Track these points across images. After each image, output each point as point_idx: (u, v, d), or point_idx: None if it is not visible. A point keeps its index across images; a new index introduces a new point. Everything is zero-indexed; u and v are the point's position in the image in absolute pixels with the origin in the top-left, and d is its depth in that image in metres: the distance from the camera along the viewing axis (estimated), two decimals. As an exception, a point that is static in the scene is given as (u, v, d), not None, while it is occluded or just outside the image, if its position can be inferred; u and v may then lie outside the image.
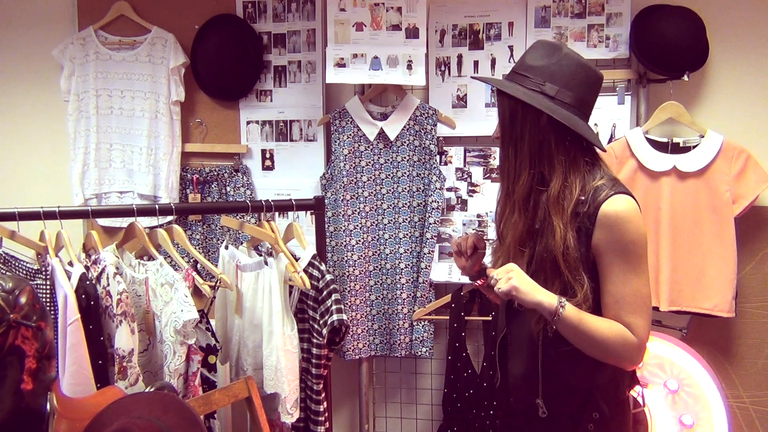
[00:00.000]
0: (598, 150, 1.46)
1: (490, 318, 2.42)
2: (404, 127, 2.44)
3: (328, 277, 2.01)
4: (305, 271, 2.00)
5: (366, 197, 2.47)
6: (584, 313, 1.36)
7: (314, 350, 2.08)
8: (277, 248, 2.04)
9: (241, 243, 2.26)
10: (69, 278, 1.79)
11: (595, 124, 2.37)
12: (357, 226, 2.47)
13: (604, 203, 1.35)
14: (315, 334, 2.06)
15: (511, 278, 1.36)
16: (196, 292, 1.95)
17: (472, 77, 1.70)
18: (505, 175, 1.48)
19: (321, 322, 2.02)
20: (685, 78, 2.23)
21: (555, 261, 1.38)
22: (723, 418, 2.05)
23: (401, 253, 2.48)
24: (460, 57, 2.46)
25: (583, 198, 1.38)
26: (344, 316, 1.98)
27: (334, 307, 1.99)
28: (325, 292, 2.01)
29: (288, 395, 1.99)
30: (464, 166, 2.49)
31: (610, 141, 2.35)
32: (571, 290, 1.38)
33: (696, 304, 2.23)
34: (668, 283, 2.24)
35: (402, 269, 2.47)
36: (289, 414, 2.01)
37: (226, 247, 2.18)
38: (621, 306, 1.36)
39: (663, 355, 2.11)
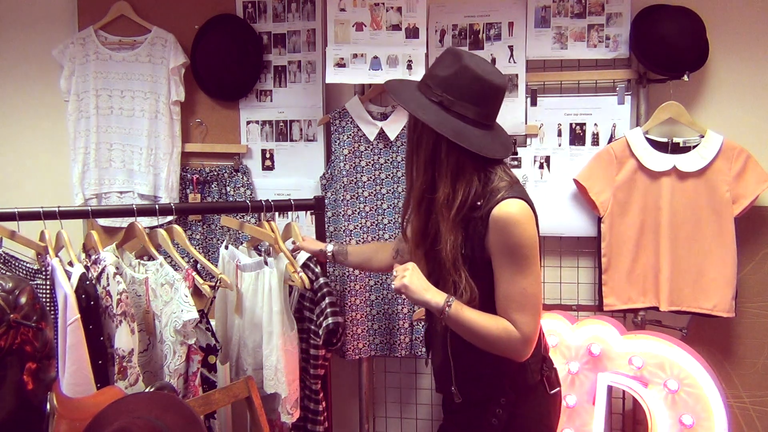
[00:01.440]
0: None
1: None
2: (404, 127, 2.44)
3: (322, 279, 2.03)
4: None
5: (366, 197, 2.47)
6: (470, 310, 1.46)
7: (312, 350, 2.09)
8: (277, 248, 2.04)
9: (241, 243, 2.26)
10: (69, 278, 1.79)
11: (595, 125, 2.38)
12: (357, 226, 2.47)
13: (495, 207, 1.43)
14: (312, 335, 2.08)
15: (404, 276, 1.49)
16: (196, 292, 1.95)
17: (384, 84, 1.67)
18: (407, 178, 1.59)
19: (317, 323, 2.03)
20: (685, 78, 2.23)
21: (443, 262, 1.48)
22: (723, 418, 2.05)
23: (401, 253, 2.48)
24: (460, 57, 2.45)
25: (479, 203, 1.47)
26: (340, 318, 1.99)
27: (329, 309, 2.00)
28: (319, 294, 2.02)
29: (288, 395, 1.99)
30: (464, 166, 2.48)
31: (610, 141, 2.35)
32: (457, 289, 1.48)
33: (696, 304, 2.23)
34: (668, 283, 2.24)
35: (402, 269, 2.47)
36: (289, 414, 2.01)
37: (226, 247, 2.18)
38: (508, 303, 1.45)
39: (663, 355, 2.11)
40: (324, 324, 1.98)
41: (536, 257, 1.46)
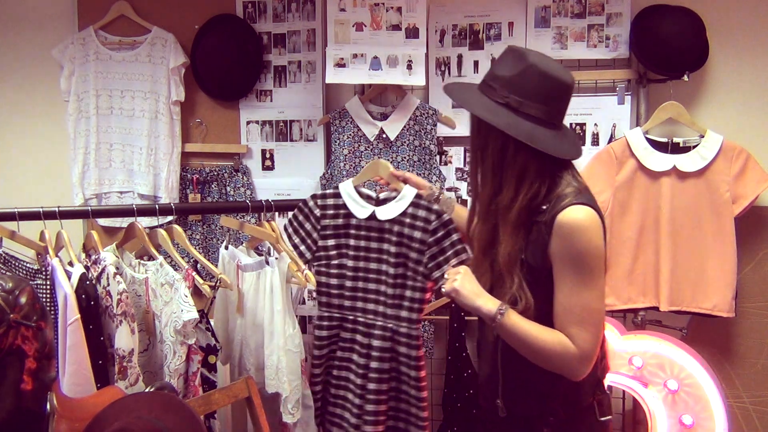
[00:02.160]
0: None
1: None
2: (404, 127, 2.44)
3: (446, 217, 1.78)
4: (407, 212, 1.81)
5: (366, 197, 2.47)
6: (525, 321, 1.37)
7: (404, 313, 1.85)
8: (279, 248, 2.04)
9: (241, 243, 2.26)
10: (69, 278, 1.79)
11: (595, 125, 2.38)
12: (357, 226, 2.46)
13: (561, 213, 1.35)
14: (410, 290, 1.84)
15: (456, 280, 1.44)
16: (196, 292, 1.95)
17: (444, 87, 1.68)
18: (472, 184, 1.52)
19: (430, 266, 1.80)
20: (685, 78, 2.23)
21: (501, 269, 1.42)
22: (723, 418, 2.05)
23: (401, 253, 2.47)
24: (460, 57, 2.46)
25: (544, 207, 1.39)
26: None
27: (459, 246, 1.75)
28: (441, 233, 1.77)
29: (289, 395, 1.99)
30: (464, 166, 2.49)
31: (610, 141, 2.35)
32: (513, 297, 1.40)
33: (696, 304, 2.23)
34: (668, 283, 2.24)
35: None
36: (291, 414, 2.00)
37: (226, 248, 2.18)
38: (567, 316, 1.36)
39: (663, 355, 2.11)
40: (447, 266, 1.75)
41: (602, 270, 1.37)
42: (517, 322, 1.38)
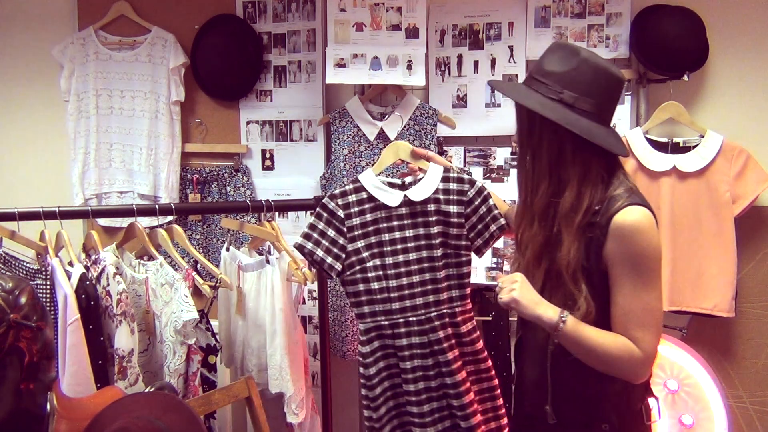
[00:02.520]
0: (624, 161, 1.44)
1: (490, 318, 2.42)
2: (404, 127, 2.44)
3: (479, 183, 1.76)
4: (439, 188, 1.74)
5: (366, 197, 2.46)
6: (587, 327, 1.34)
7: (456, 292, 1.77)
8: (279, 246, 2.04)
9: (242, 244, 2.26)
10: (69, 278, 1.79)
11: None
12: (357, 226, 2.46)
13: (617, 214, 1.32)
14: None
15: (514, 289, 1.36)
16: (196, 292, 1.95)
17: (489, 83, 1.69)
18: (522, 186, 1.44)
19: (471, 236, 1.75)
20: (685, 78, 2.23)
21: (560, 272, 1.37)
22: (723, 418, 2.05)
23: (401, 253, 2.46)
24: (460, 57, 2.46)
25: (597, 208, 1.35)
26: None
27: (496, 211, 1.74)
28: (477, 201, 1.74)
29: (293, 394, 1.98)
30: (464, 166, 2.49)
31: (610, 141, 2.35)
32: (572, 302, 1.36)
33: (696, 304, 2.23)
34: (668, 283, 2.24)
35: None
36: (295, 414, 2.00)
37: (227, 249, 2.18)
38: (629, 319, 1.33)
39: (663, 355, 2.11)
40: (493, 229, 1.73)
41: (660, 270, 1.34)
42: (580, 328, 1.33)
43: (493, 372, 1.79)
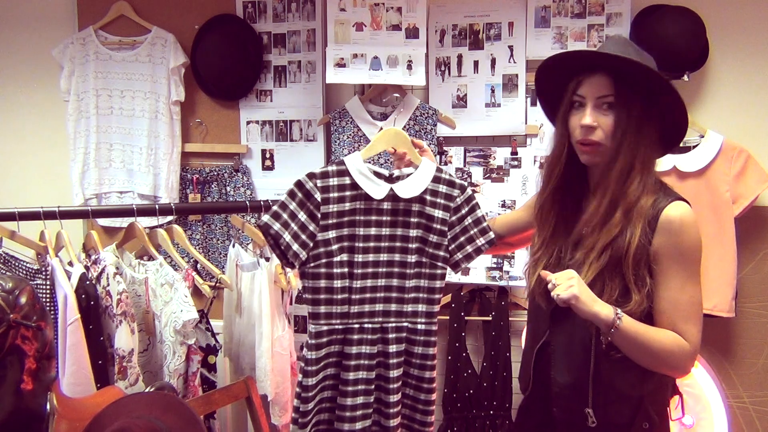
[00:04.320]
0: None
1: (490, 318, 2.42)
2: (404, 127, 2.44)
3: (469, 191, 1.62)
4: (428, 188, 1.59)
5: (366, 197, 2.46)
6: (640, 324, 1.32)
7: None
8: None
9: (247, 242, 2.26)
10: (69, 278, 1.80)
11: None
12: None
13: (667, 208, 1.33)
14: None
15: (572, 286, 1.30)
16: (196, 292, 1.95)
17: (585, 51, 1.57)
18: (613, 175, 1.36)
19: (452, 248, 1.62)
20: (685, 78, 2.23)
21: (620, 261, 1.34)
22: (723, 418, 2.05)
23: (401, 253, 2.45)
24: (460, 57, 2.46)
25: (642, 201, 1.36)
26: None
27: (485, 223, 1.62)
28: (465, 209, 1.61)
29: (275, 398, 1.99)
30: (464, 166, 2.49)
31: (610, 141, 2.35)
32: (622, 298, 1.33)
33: (696, 304, 2.23)
34: (668, 283, 2.24)
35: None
36: (278, 416, 2.01)
37: (233, 246, 2.18)
38: (677, 313, 1.33)
39: (663, 355, 2.11)
40: (481, 244, 1.61)
41: (700, 267, 1.35)
42: (634, 326, 1.31)
43: (433, 408, 1.66)
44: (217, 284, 2.00)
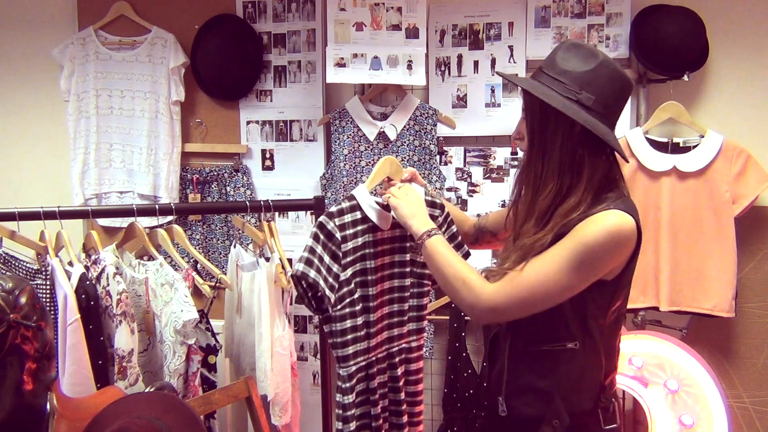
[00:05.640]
0: (620, 161, 1.42)
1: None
2: (404, 127, 2.44)
3: (445, 210, 1.65)
4: None
5: (366, 197, 2.46)
6: (450, 249, 1.42)
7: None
8: (271, 248, 2.04)
9: (248, 242, 2.26)
10: (69, 278, 1.79)
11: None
12: (357, 226, 2.45)
13: (598, 213, 1.31)
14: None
15: (399, 198, 1.49)
16: (196, 292, 1.95)
17: (497, 73, 1.65)
18: (529, 183, 1.40)
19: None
20: (685, 78, 2.23)
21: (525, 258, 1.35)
22: (723, 418, 2.05)
23: (401, 253, 2.46)
24: (460, 57, 2.46)
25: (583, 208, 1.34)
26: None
27: (459, 239, 1.66)
28: (444, 228, 1.64)
29: (275, 398, 1.99)
30: (464, 166, 2.49)
31: (610, 141, 2.35)
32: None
33: (696, 304, 2.23)
34: (668, 283, 2.24)
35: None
36: (279, 416, 2.01)
37: (234, 246, 2.18)
38: (517, 271, 1.32)
39: (663, 355, 2.11)
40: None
41: (588, 275, 1.30)
42: (441, 246, 1.41)
43: (422, 418, 1.72)
44: (217, 284, 2.00)
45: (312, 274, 1.45)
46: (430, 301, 1.76)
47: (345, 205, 1.54)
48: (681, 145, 2.25)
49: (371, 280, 1.55)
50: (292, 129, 2.61)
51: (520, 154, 2.42)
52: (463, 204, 2.49)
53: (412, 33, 2.36)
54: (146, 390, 1.66)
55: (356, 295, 1.53)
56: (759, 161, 2.20)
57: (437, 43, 2.47)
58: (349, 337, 1.52)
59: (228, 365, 2.31)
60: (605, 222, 1.29)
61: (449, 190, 2.48)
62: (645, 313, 2.32)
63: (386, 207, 1.57)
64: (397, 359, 1.63)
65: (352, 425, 1.54)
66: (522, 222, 1.42)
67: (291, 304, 2.21)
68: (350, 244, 1.52)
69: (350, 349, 1.53)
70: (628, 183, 2.05)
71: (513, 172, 2.44)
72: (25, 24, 2.73)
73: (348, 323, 1.52)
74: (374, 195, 1.59)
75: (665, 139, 2.26)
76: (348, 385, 1.53)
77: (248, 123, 2.63)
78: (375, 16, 2.36)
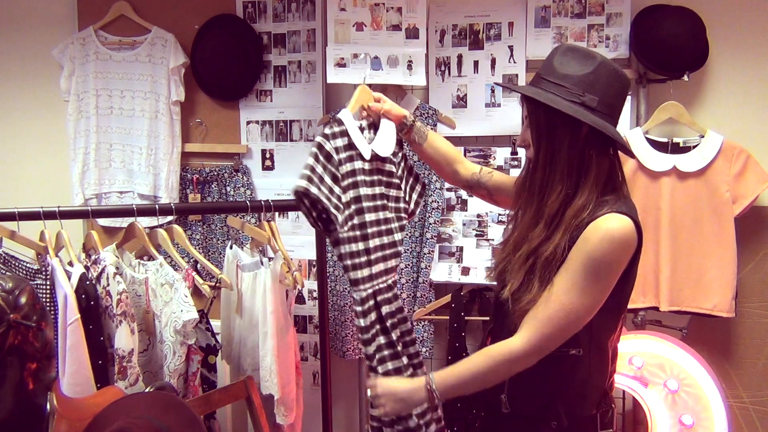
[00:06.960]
0: (623, 161, 1.44)
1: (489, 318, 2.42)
2: (404, 127, 2.44)
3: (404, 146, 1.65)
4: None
5: (366, 197, 2.45)
6: (453, 367, 1.42)
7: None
8: (274, 248, 2.04)
9: (245, 243, 2.26)
10: (69, 278, 1.80)
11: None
12: (357, 226, 2.45)
13: (599, 218, 1.31)
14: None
15: (380, 396, 1.45)
16: (196, 292, 1.95)
17: (496, 84, 1.66)
18: (534, 189, 1.40)
19: (408, 198, 1.71)
20: (685, 78, 2.23)
21: (535, 263, 1.36)
22: (723, 418, 2.05)
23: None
24: (460, 57, 2.46)
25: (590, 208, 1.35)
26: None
27: (415, 170, 1.69)
28: (407, 159, 1.67)
29: (281, 397, 1.99)
30: (464, 166, 2.49)
31: (610, 141, 2.35)
32: (529, 286, 1.36)
33: (696, 304, 2.23)
34: (668, 283, 2.24)
35: (402, 269, 2.47)
36: (284, 416, 2.01)
37: (231, 247, 2.18)
38: (541, 307, 1.33)
39: (663, 355, 2.11)
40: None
41: (608, 284, 1.33)
42: (448, 372, 1.41)
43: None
44: (217, 284, 2.00)
45: (314, 189, 1.42)
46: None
47: (336, 129, 1.50)
48: (681, 145, 2.25)
49: (366, 207, 1.53)
50: (292, 129, 2.61)
51: (521, 153, 2.43)
52: (463, 204, 2.49)
53: (412, 33, 2.36)
54: (146, 390, 1.66)
55: (355, 221, 1.51)
56: (759, 161, 2.20)
57: (437, 43, 2.47)
58: (353, 261, 1.52)
59: (229, 365, 2.31)
60: (606, 228, 1.31)
61: (449, 190, 2.48)
62: (645, 313, 2.32)
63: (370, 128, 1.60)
64: (396, 290, 1.63)
65: (372, 347, 1.55)
66: (526, 229, 1.42)
67: (294, 303, 2.21)
68: (347, 167, 1.50)
69: (364, 272, 1.53)
70: (628, 183, 2.07)
71: (513, 172, 2.44)
72: (25, 24, 2.73)
73: (352, 246, 1.51)
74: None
75: (665, 139, 2.26)
76: (362, 308, 1.54)
77: (248, 123, 2.63)
78: (375, 16, 2.36)
